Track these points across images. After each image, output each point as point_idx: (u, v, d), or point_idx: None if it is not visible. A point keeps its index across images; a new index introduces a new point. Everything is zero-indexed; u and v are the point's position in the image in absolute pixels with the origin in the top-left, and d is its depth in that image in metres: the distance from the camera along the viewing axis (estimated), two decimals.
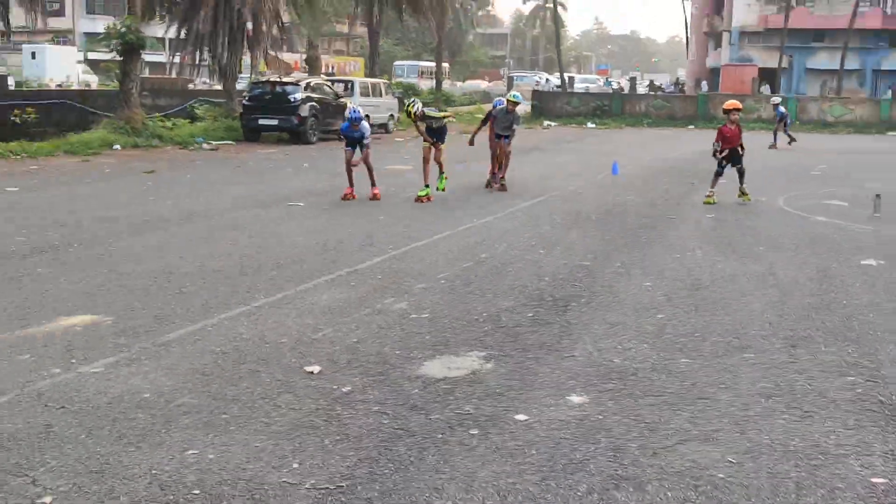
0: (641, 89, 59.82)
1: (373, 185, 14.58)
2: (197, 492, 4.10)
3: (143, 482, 4.20)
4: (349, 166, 14.42)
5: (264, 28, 28.54)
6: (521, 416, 5.11)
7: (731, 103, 15.36)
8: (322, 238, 10.77)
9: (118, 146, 22.59)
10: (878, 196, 13.62)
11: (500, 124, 16.04)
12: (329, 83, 29.57)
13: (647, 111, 43.03)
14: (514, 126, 16.17)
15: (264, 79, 28.41)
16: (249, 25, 27.64)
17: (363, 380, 5.71)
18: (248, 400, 5.31)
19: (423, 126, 14.74)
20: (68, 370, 5.80)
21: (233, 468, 4.36)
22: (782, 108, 29.84)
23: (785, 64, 50.40)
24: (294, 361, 6.06)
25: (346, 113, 14.76)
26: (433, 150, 14.60)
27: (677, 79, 74.73)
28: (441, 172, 14.82)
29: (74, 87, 38.47)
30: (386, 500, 4.05)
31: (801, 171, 21.25)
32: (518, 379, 5.79)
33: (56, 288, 8.02)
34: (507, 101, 16.02)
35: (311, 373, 5.81)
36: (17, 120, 23.33)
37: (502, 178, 16.05)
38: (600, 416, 5.15)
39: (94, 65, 51.64)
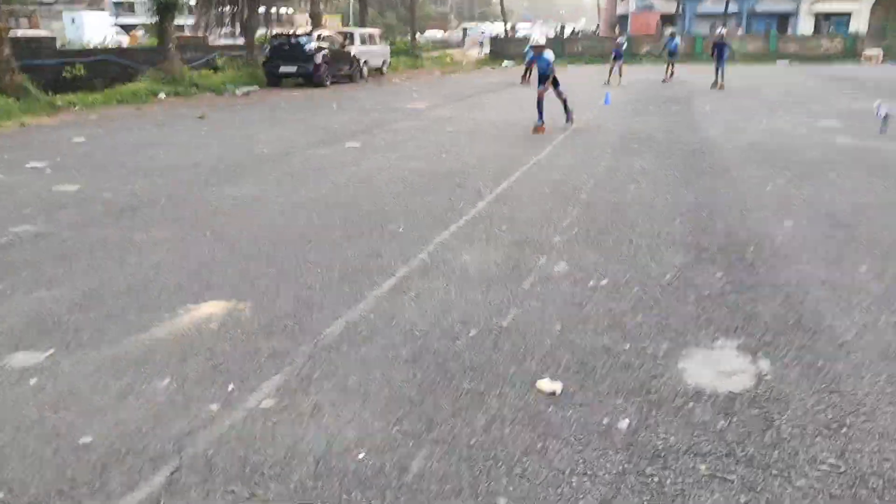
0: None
1: None
2: None
3: None
4: None
5: None
6: None
7: None
8: (410, 180, 8.11)
9: (162, 94, 19.19)
10: (886, 116, 11.27)
11: None
12: (335, 34, 25.98)
13: (583, 51, 39.83)
14: None
15: (282, 32, 24.66)
16: None
17: (627, 403, 3.23)
18: (503, 457, 2.82)
19: None
20: (229, 405, 3.25)
21: None
22: (677, 40, 23.83)
23: (679, 10, 47.41)
24: (513, 371, 3.56)
25: None
26: None
27: (597, 25, 70.74)
28: None
29: (110, 46, 34.00)
30: None
31: (748, 102, 18.80)
32: (823, 391, 3.36)
33: (164, 261, 5.31)
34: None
35: (553, 393, 3.34)
36: (68, 75, 19.98)
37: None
38: None
39: (123, 28, 46.73)
